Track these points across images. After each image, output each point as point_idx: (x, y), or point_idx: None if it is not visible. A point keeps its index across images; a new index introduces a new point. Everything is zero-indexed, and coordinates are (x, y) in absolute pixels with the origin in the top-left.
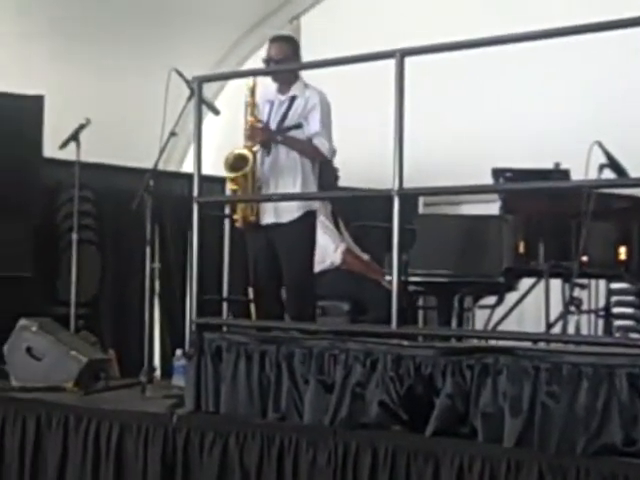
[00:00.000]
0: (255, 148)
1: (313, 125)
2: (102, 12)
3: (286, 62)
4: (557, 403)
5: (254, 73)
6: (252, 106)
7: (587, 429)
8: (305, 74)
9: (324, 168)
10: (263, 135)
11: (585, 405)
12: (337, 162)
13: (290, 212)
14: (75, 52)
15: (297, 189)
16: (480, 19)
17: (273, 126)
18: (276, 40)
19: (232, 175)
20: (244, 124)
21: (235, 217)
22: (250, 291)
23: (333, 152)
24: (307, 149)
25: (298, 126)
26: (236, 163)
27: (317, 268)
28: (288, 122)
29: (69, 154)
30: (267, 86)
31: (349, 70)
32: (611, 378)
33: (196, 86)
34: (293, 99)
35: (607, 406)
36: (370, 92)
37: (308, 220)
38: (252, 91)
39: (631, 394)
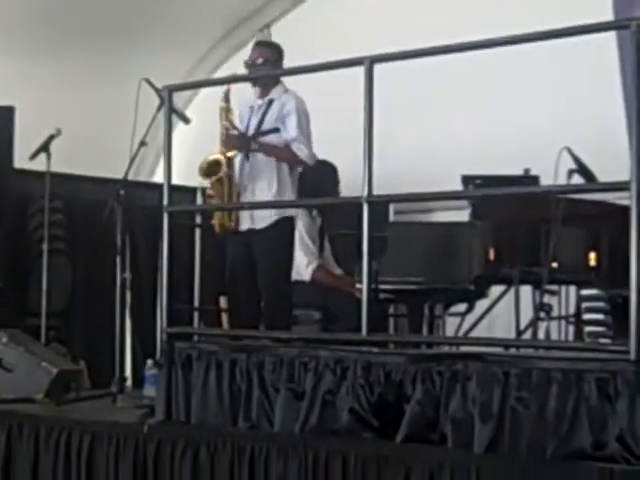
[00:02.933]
0: (230, 154)
1: (290, 131)
2: (70, 24)
3: (267, 67)
4: (527, 408)
5: (224, 81)
6: (227, 111)
7: (557, 434)
8: None
9: (315, 174)
10: (238, 141)
11: (554, 410)
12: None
13: (265, 218)
14: (44, 64)
15: (272, 194)
16: (451, 25)
17: (253, 131)
18: (259, 45)
19: (206, 180)
20: (220, 130)
21: (213, 222)
22: (222, 300)
23: (313, 158)
24: (285, 155)
25: (275, 130)
26: (210, 169)
27: None
28: (265, 126)
29: (39, 165)
30: (249, 92)
31: (320, 78)
32: (580, 383)
33: (166, 95)
34: (270, 102)
35: (576, 411)
36: (341, 99)
37: (284, 226)
38: (227, 96)
39: (600, 399)
